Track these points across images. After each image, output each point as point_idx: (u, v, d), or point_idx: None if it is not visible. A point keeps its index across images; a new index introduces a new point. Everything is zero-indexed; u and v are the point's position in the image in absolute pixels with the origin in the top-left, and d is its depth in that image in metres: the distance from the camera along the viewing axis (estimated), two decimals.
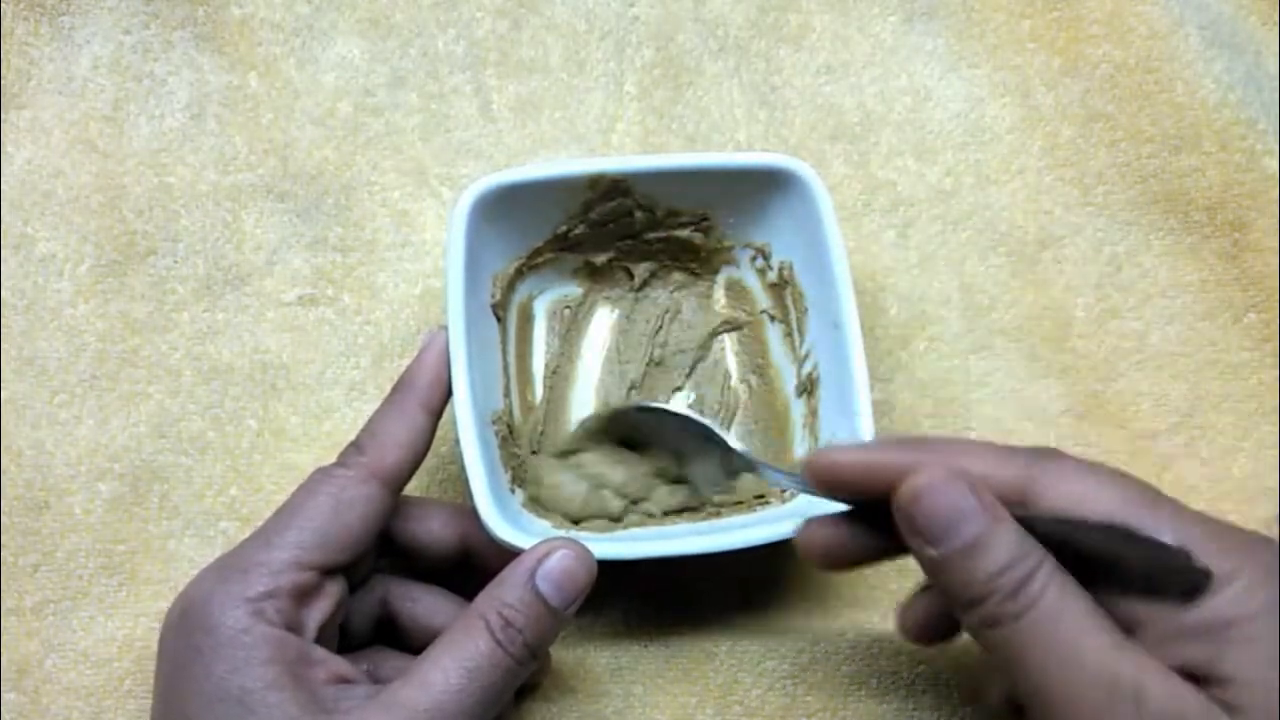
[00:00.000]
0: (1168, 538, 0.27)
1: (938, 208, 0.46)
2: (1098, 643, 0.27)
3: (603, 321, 0.43)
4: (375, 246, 0.44)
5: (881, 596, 0.41)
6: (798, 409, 0.41)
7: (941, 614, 0.33)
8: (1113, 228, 0.46)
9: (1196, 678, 0.27)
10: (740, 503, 0.40)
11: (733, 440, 0.37)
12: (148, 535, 0.40)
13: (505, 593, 0.32)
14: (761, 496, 0.40)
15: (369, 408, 0.42)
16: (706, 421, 0.37)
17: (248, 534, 0.34)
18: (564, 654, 0.40)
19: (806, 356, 0.41)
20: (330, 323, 0.43)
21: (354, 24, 0.47)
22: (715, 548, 0.36)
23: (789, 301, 0.42)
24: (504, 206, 0.38)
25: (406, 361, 0.42)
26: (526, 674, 0.32)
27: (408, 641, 0.36)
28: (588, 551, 0.33)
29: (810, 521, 0.33)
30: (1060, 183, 0.46)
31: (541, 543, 0.33)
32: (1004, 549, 0.28)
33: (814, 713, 0.40)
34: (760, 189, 0.40)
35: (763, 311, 0.43)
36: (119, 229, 0.44)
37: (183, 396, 0.42)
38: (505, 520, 0.35)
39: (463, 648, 0.31)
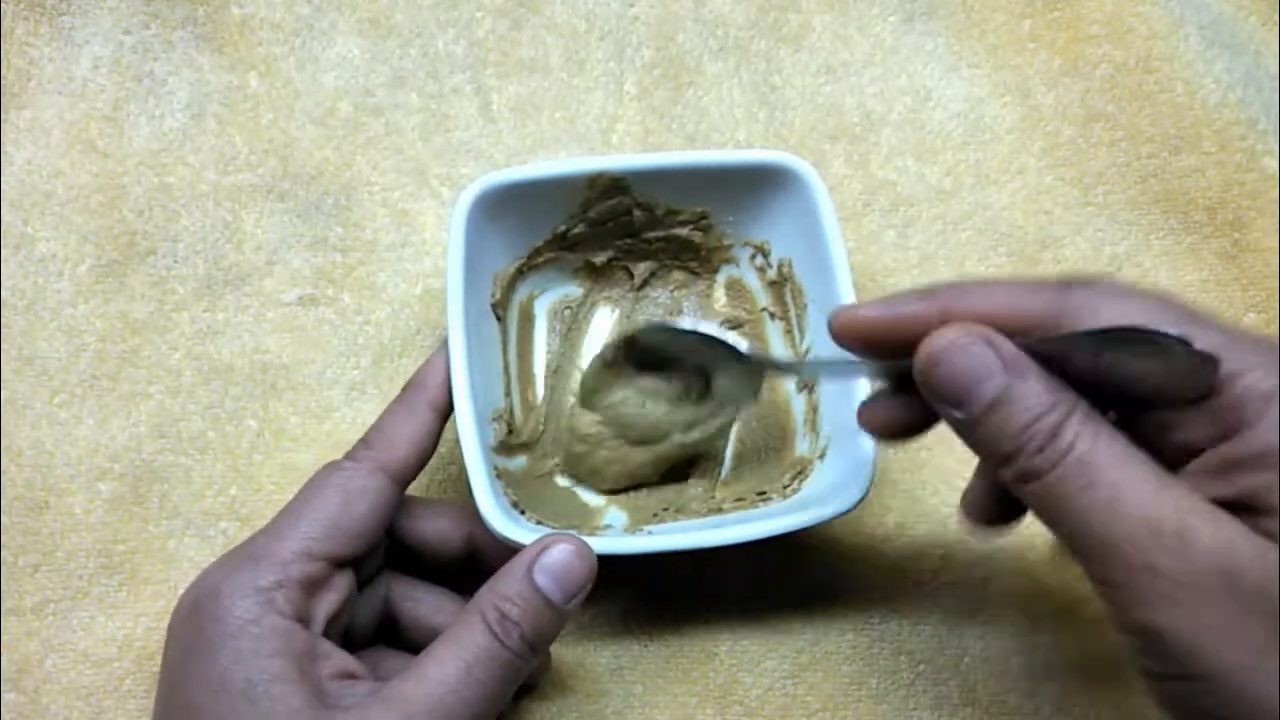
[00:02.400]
0: (1196, 343, 0.25)
1: (938, 208, 0.46)
2: (1136, 485, 0.25)
3: (603, 321, 0.43)
4: (375, 246, 0.44)
5: (881, 597, 0.41)
6: (799, 405, 0.41)
7: (999, 494, 0.32)
8: (1113, 228, 0.46)
9: (1245, 509, 0.25)
10: (742, 499, 0.40)
11: (745, 346, 0.36)
12: (148, 535, 0.40)
13: (503, 587, 0.32)
14: (763, 493, 0.40)
15: (369, 408, 0.42)
16: (716, 332, 0.36)
17: (247, 534, 0.34)
18: (564, 653, 0.40)
19: (807, 353, 0.41)
20: (330, 323, 0.43)
21: (354, 24, 0.47)
22: (716, 542, 0.36)
23: (789, 298, 0.42)
24: (504, 205, 0.38)
25: (406, 361, 0.43)
26: (528, 669, 0.32)
27: (409, 641, 0.36)
28: (587, 547, 0.33)
29: (866, 401, 0.32)
30: (1060, 183, 0.46)
31: (540, 537, 0.33)
32: (1029, 401, 0.26)
33: (814, 713, 0.40)
34: (758, 186, 0.40)
35: (763, 309, 0.43)
36: (119, 229, 0.44)
37: (183, 396, 0.42)
38: (506, 517, 0.35)
39: (461, 643, 0.31)
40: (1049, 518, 0.27)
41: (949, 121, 0.47)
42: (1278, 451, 0.25)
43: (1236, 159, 0.47)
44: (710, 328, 0.37)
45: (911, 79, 0.48)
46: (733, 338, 0.36)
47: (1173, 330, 0.25)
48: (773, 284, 0.42)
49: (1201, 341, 0.25)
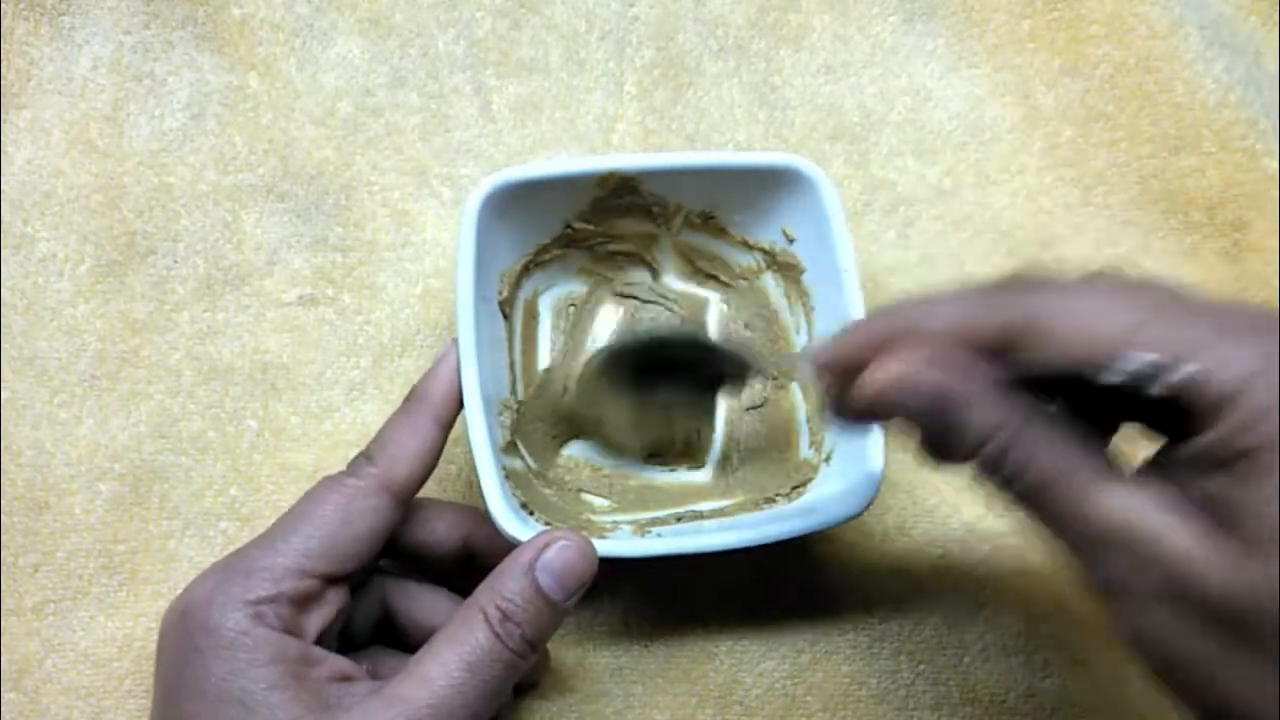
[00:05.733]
0: (1162, 350, 0.24)
1: (938, 208, 0.46)
2: (1102, 494, 0.25)
3: (607, 319, 0.43)
4: (375, 246, 0.44)
5: (882, 597, 0.41)
6: (803, 409, 0.41)
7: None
8: (1113, 228, 0.46)
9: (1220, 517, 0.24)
10: (745, 501, 0.40)
11: (726, 343, 0.36)
12: (148, 535, 0.40)
13: (504, 585, 0.32)
14: (769, 495, 0.40)
15: (369, 408, 0.42)
16: (703, 337, 0.36)
17: (247, 534, 0.34)
18: (564, 653, 0.40)
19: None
20: (330, 323, 0.43)
21: (354, 24, 0.47)
22: (724, 545, 0.36)
23: (795, 300, 0.42)
24: (514, 203, 0.38)
25: (406, 361, 0.43)
26: (527, 667, 0.32)
27: (406, 641, 0.36)
28: (588, 542, 0.33)
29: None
30: (1060, 183, 0.46)
31: (540, 534, 0.33)
32: (972, 425, 0.25)
33: (814, 713, 0.40)
34: (768, 188, 0.40)
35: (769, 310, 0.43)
36: (119, 229, 0.44)
37: (183, 396, 0.42)
38: (518, 519, 0.35)
39: (462, 641, 0.31)
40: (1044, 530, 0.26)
41: (949, 121, 0.47)
42: (1239, 455, 0.23)
43: (1236, 159, 0.47)
44: (687, 327, 0.37)
45: (911, 79, 0.48)
46: (719, 341, 0.36)
47: (1146, 358, 0.24)
48: (778, 285, 0.42)
49: (1182, 357, 0.24)
